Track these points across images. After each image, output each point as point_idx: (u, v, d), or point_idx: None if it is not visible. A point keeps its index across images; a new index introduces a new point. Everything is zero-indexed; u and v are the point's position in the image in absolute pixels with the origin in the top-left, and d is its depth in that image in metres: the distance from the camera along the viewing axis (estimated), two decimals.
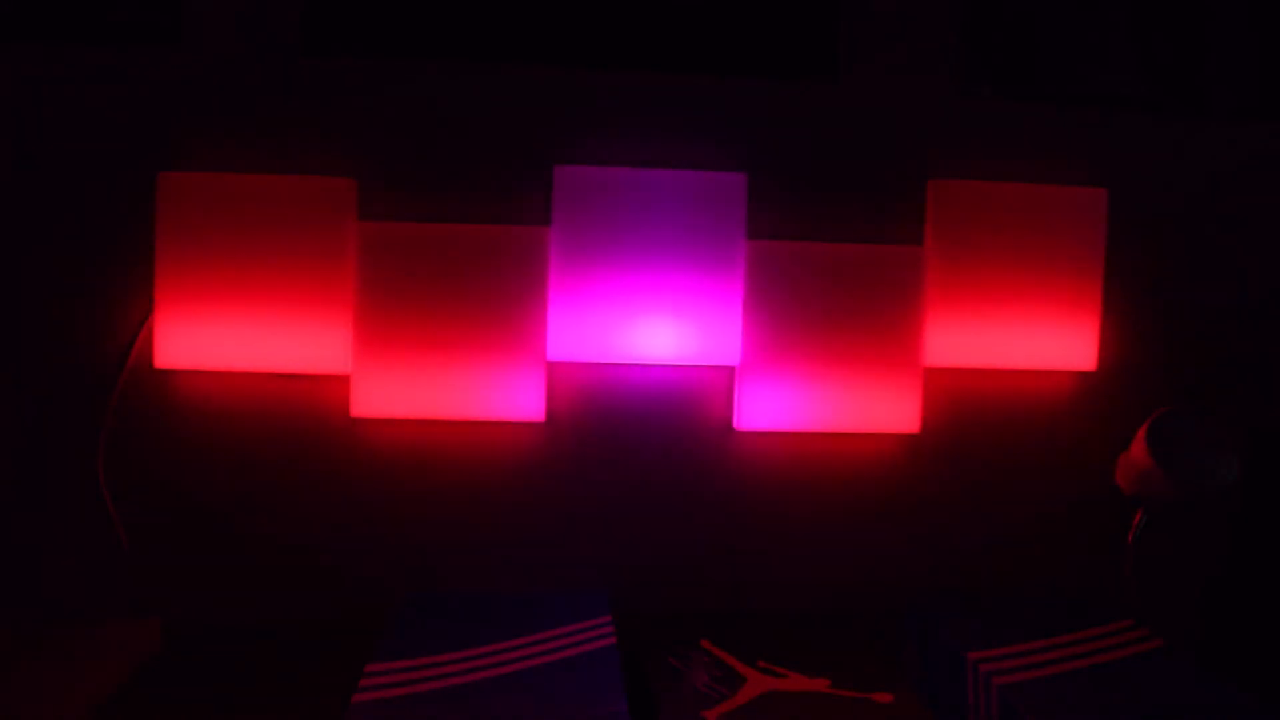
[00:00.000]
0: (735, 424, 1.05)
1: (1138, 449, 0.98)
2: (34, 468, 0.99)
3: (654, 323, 1.01)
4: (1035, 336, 1.06)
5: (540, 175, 1.01)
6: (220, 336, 0.97)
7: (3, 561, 0.99)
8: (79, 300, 0.98)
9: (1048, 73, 1.12)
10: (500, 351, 0.99)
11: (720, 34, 1.07)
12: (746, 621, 0.96)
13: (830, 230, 1.05)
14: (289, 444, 1.01)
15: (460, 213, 1.01)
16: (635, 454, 1.05)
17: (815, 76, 1.07)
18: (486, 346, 0.99)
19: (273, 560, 1.02)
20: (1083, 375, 1.09)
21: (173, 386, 1.00)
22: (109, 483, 0.98)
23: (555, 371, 1.03)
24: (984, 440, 1.09)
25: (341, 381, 1.00)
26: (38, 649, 0.87)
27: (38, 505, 0.99)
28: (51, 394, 0.98)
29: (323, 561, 1.02)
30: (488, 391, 0.99)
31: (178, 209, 0.96)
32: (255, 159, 0.99)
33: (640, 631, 0.93)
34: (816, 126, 1.05)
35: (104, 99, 0.97)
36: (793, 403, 1.03)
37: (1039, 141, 1.08)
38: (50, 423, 0.98)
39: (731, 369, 1.05)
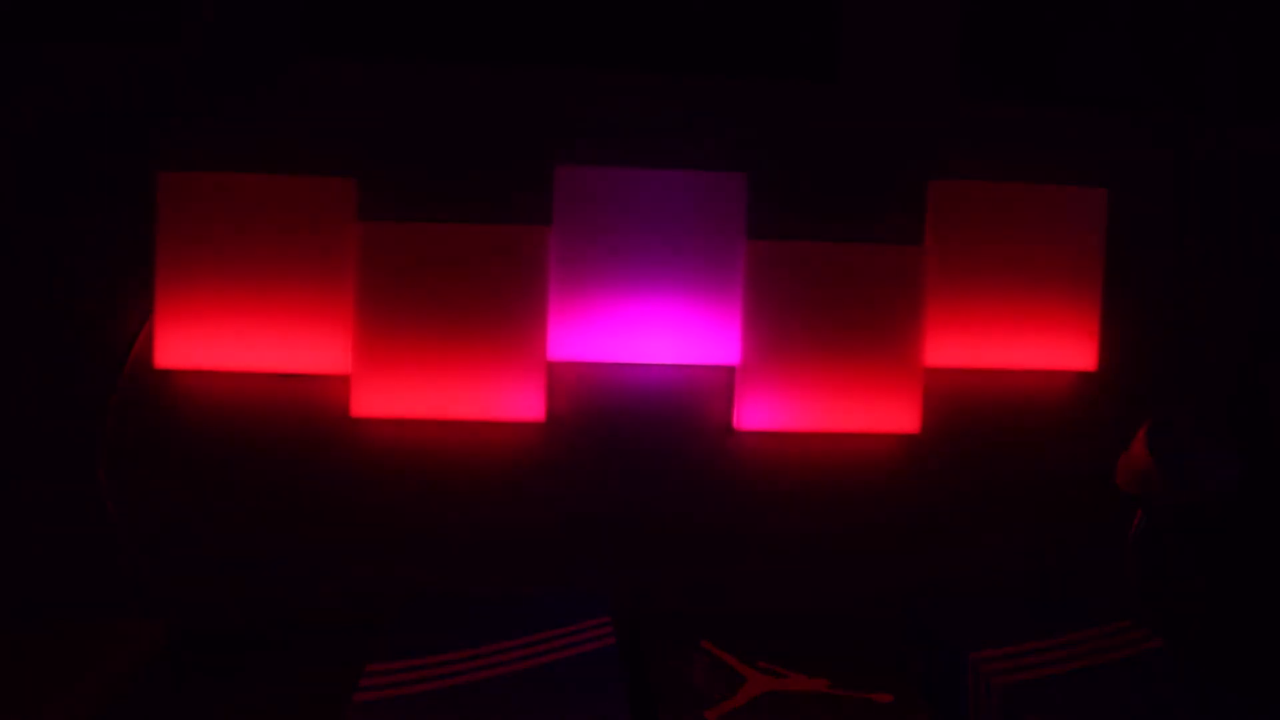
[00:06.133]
0: (735, 424, 1.04)
1: (1138, 449, 0.98)
2: (34, 468, 0.99)
3: (654, 322, 1.01)
4: (1035, 336, 1.06)
5: (540, 175, 1.01)
6: (220, 336, 0.97)
7: (3, 561, 0.99)
8: (79, 300, 0.98)
9: (1048, 73, 1.12)
10: (500, 351, 0.99)
11: (720, 34, 1.07)
12: (746, 621, 0.96)
13: (830, 230, 1.05)
14: (289, 444, 1.01)
15: (460, 213, 1.01)
16: (635, 454, 1.05)
17: (815, 76, 1.07)
18: (486, 346, 0.99)
19: (273, 560, 1.02)
20: (1083, 375, 1.09)
21: (173, 386, 1.00)
22: (109, 483, 0.98)
23: (555, 371, 1.03)
24: (984, 440, 1.09)
25: (341, 381, 1.00)
26: (38, 649, 0.87)
27: (38, 505, 0.99)
28: (51, 394, 0.98)
29: (323, 561, 1.02)
30: (488, 391, 0.99)
31: (178, 209, 0.96)
32: (255, 159, 0.99)
33: (640, 631, 0.93)
34: (816, 126, 1.05)
35: (104, 99, 0.97)
36: (793, 403, 1.03)
37: (1039, 141, 1.08)
38: (50, 423, 0.98)
39: (731, 369, 1.04)
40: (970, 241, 1.05)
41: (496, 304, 0.99)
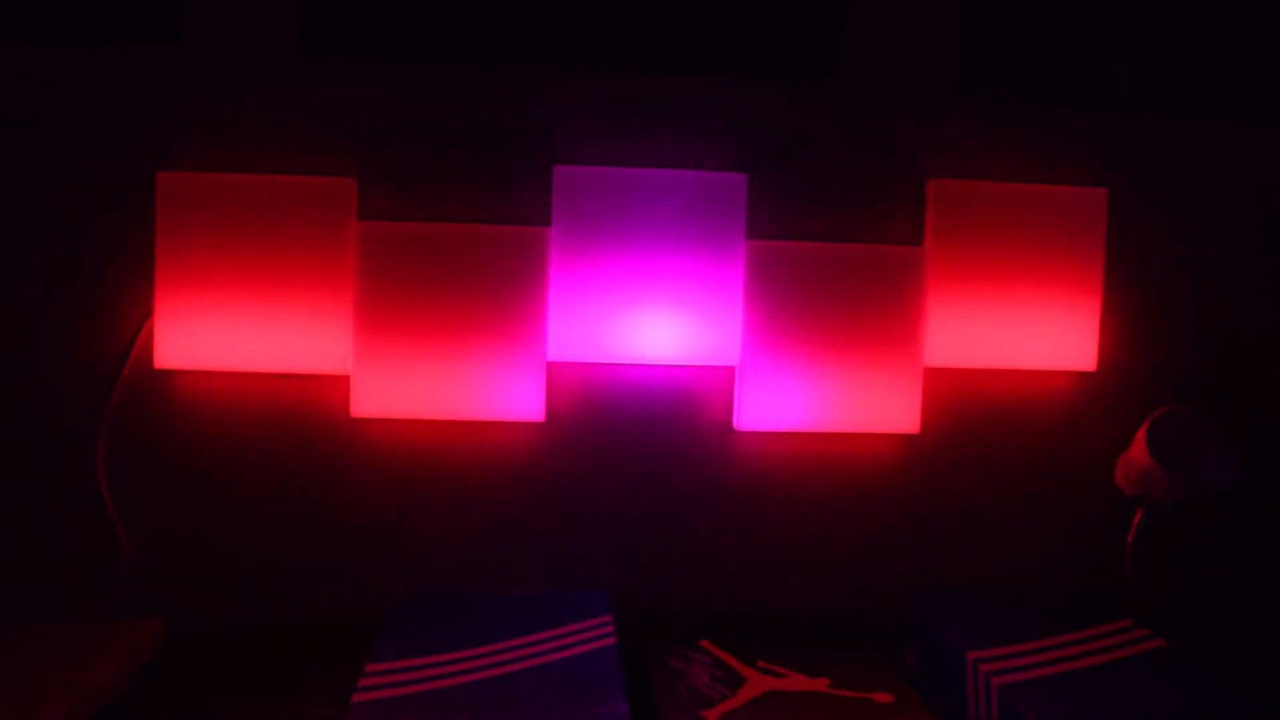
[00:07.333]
0: (735, 424, 1.05)
1: (1138, 449, 0.98)
2: (34, 468, 0.99)
3: (654, 323, 1.01)
4: (1035, 336, 1.06)
5: (540, 175, 1.01)
6: (220, 336, 0.97)
7: (2, 561, 0.99)
8: (79, 300, 0.98)
9: (1048, 73, 1.12)
10: (500, 351, 0.99)
11: (720, 34, 1.07)
12: (746, 621, 0.96)
13: (830, 230, 1.05)
14: (289, 444, 1.01)
15: (460, 213, 1.01)
16: (635, 454, 1.05)
17: (815, 76, 1.07)
18: (486, 346, 0.99)
19: (272, 560, 1.02)
20: (1083, 375, 1.09)
21: (173, 386, 1.00)
22: (109, 483, 0.98)
23: (555, 371, 1.03)
24: (984, 440, 1.09)
25: (341, 381, 1.00)
26: (38, 649, 0.87)
27: (38, 505, 0.99)
28: (51, 394, 0.98)
29: (322, 561, 1.02)
30: (488, 391, 0.99)
31: (178, 209, 0.96)
32: (255, 159, 0.99)
33: (640, 631, 0.93)
34: (816, 126, 1.05)
35: (104, 99, 0.97)
36: (793, 403, 1.03)
37: (1039, 141, 1.08)
38: (50, 423, 0.98)
39: (731, 369, 1.05)
40: (970, 241, 1.05)
41: (496, 304, 0.99)
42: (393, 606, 0.93)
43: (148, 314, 0.98)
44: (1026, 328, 1.05)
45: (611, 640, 0.85)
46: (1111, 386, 1.10)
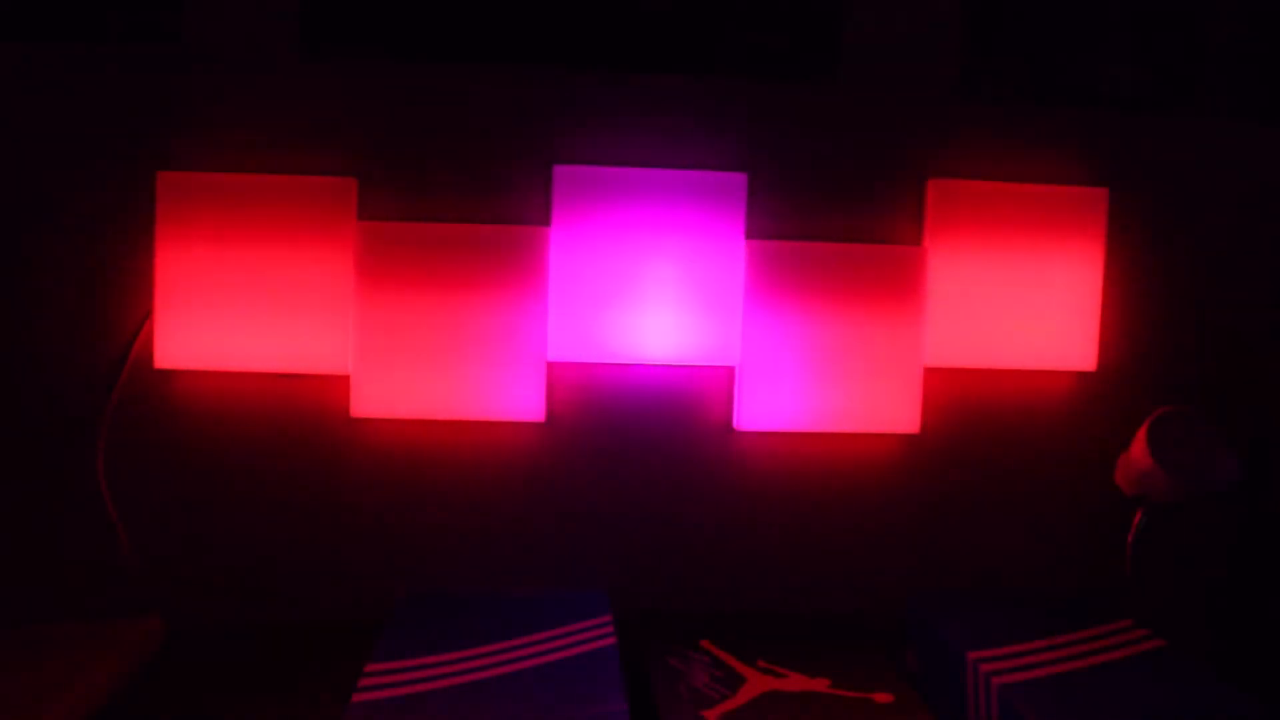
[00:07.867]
0: (735, 424, 1.05)
1: (1138, 449, 0.98)
2: (34, 468, 0.99)
3: (654, 323, 1.01)
4: (1035, 336, 1.06)
5: (540, 175, 1.01)
6: (220, 336, 0.97)
7: (2, 561, 0.99)
8: (79, 300, 0.98)
9: (1048, 73, 1.12)
10: (500, 351, 0.99)
11: (720, 34, 1.07)
12: (746, 621, 0.96)
13: (830, 230, 1.05)
14: (289, 444, 1.01)
15: (460, 213, 1.01)
16: (635, 454, 1.05)
17: (815, 76, 1.07)
18: (486, 346, 0.99)
19: (273, 560, 1.02)
20: (1083, 375, 1.09)
21: (173, 386, 1.00)
22: (109, 483, 0.98)
23: (555, 371, 1.03)
24: (984, 440, 1.09)
25: (341, 381, 1.00)
26: (38, 649, 0.87)
27: (38, 505, 0.99)
28: (51, 394, 0.98)
29: (322, 561, 1.02)
30: (488, 391, 0.99)
31: (178, 209, 0.96)
32: (255, 159, 0.99)
33: (640, 631, 0.93)
34: (816, 126, 1.05)
35: (104, 99, 0.97)
36: (793, 403, 1.03)
37: (1039, 141, 1.08)
38: (50, 423, 0.98)
39: (731, 369, 1.05)
40: (970, 241, 1.05)
41: (496, 304, 0.99)
42: (393, 606, 0.93)
43: (148, 314, 0.98)
44: (1026, 328, 1.05)
45: (611, 640, 0.85)
46: (1111, 386, 1.10)
